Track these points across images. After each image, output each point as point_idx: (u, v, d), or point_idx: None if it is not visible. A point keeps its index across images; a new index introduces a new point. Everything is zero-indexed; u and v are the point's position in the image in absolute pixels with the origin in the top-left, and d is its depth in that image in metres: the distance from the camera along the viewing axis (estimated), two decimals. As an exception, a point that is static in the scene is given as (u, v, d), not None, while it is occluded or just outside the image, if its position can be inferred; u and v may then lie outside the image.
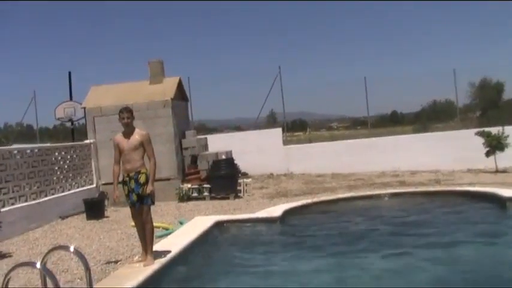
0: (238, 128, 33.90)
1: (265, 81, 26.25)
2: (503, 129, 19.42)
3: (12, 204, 12.87)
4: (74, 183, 15.96)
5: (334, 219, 12.28)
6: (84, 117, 18.49)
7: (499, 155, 19.35)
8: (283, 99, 25.80)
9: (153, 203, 8.57)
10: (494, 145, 19.35)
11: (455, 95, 26.50)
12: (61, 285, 7.38)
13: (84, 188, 16.34)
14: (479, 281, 7.25)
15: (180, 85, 18.57)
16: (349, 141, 24.55)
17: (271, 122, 32.28)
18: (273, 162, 22.53)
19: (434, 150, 21.36)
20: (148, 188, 8.41)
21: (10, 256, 10.15)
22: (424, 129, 29.30)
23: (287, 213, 12.33)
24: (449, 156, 20.72)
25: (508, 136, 19.18)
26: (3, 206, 12.41)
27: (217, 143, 20.19)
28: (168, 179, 16.75)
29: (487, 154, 19.44)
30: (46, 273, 5.19)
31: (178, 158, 17.30)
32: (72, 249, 5.94)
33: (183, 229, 11.12)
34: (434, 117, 35.72)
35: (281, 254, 9.38)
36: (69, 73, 24.76)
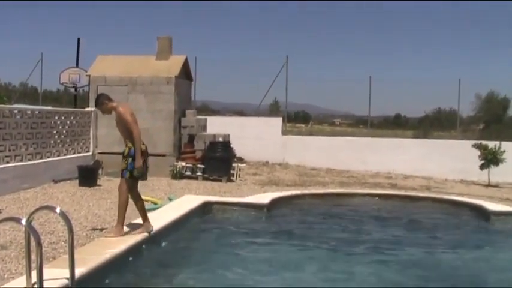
0: (240, 113, 33.97)
1: (273, 69, 26.35)
2: (500, 144, 19.54)
3: (7, 162, 13.01)
4: (70, 149, 16.10)
5: (318, 212, 12.50)
6: (88, 85, 18.63)
7: (493, 169, 19.50)
8: (286, 89, 25.97)
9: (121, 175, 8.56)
10: (490, 159, 19.50)
11: (458, 105, 26.67)
12: (45, 246, 7.57)
13: (80, 154, 16.48)
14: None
15: (185, 64, 18.67)
16: (347, 138, 24.74)
17: (274, 110, 32.38)
18: (269, 150, 22.66)
19: (430, 157, 21.51)
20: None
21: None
22: (425, 135, 29.41)
23: (275, 201, 12.51)
24: (445, 165, 20.89)
25: (504, 151, 19.31)
26: (-2, 163, 12.58)
27: (217, 125, 20.30)
28: (163, 155, 16.90)
29: (482, 167, 19.60)
30: (30, 229, 5.34)
31: (176, 136, 17.44)
32: (58, 210, 6.09)
33: (171, 205, 11.30)
34: (437, 124, 35.83)
35: (261, 239, 9.58)
36: (78, 39, 24.89)
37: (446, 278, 7.87)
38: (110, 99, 8.73)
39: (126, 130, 8.43)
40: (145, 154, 8.59)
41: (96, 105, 8.99)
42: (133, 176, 8.47)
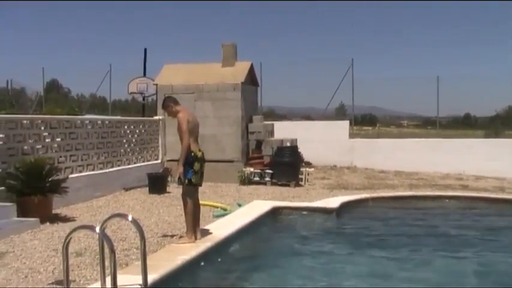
0: (307, 117, 33.87)
1: (338, 72, 26.21)
2: None
3: (80, 171, 13.33)
4: (139, 157, 16.39)
5: (390, 216, 12.29)
6: (156, 93, 18.92)
7: None
8: (353, 92, 25.81)
9: (180, 183, 8.62)
10: None
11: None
12: (118, 252, 7.69)
13: (149, 162, 16.76)
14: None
15: (251, 70, 18.75)
16: (415, 139, 24.36)
17: (340, 114, 32.17)
18: (337, 154, 22.49)
19: (502, 157, 20.90)
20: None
21: (74, 220, 10.57)
22: (496, 134, 28.70)
23: (344, 205, 12.37)
24: (519, 164, 20.28)
25: None
26: (72, 173, 12.89)
27: (284, 130, 20.29)
28: (232, 161, 17.01)
29: (557, 165, 18.99)
30: (103, 237, 5.43)
31: (243, 142, 17.52)
32: (130, 218, 6.18)
33: (240, 211, 11.31)
34: (508, 123, 34.92)
35: (331, 244, 9.47)
36: (145, 50, 25.29)
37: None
38: (176, 103, 8.85)
39: (180, 137, 8.54)
40: (201, 161, 8.62)
41: (162, 107, 9.13)
42: (191, 183, 8.54)
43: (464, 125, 40.97)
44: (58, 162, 12.38)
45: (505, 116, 38.67)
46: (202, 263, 7.59)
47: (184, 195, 8.57)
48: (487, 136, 28.09)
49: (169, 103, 8.83)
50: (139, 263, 6.05)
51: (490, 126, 34.57)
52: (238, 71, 17.96)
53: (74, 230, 5.58)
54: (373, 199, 13.51)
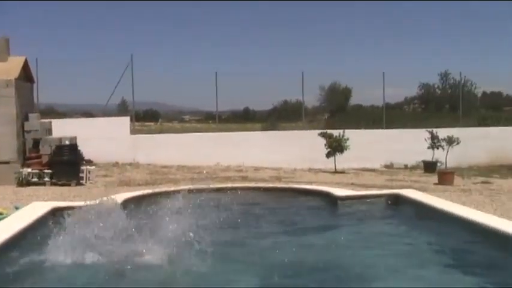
0: (88, 114, 33.26)
1: (120, 68, 25.96)
2: (343, 132, 20.40)
3: None
4: None
5: (170, 210, 12.43)
6: None
7: (338, 156, 20.35)
8: (133, 87, 25.72)
9: None
10: (335, 147, 20.32)
11: (302, 97, 27.68)
12: None
13: None
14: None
15: (25, 65, 17.99)
16: (197, 134, 24.96)
17: (122, 110, 31.99)
18: (119, 150, 22.35)
19: (279, 149, 22.09)
20: None
21: None
22: (273, 127, 30.16)
23: (127, 202, 12.30)
24: (293, 155, 21.54)
25: (348, 139, 20.19)
26: None
27: (65, 128, 19.70)
28: (7, 162, 16.22)
29: (328, 155, 20.40)
30: None
31: (19, 141, 16.74)
32: None
33: (17, 214, 10.82)
34: (284, 116, 36.83)
35: (113, 240, 9.39)
36: None
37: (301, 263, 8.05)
38: None
39: None
40: None
41: None
42: None
43: (244, 119, 42.67)
44: None
45: (281, 109, 40.82)
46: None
47: None
48: (264, 129, 29.45)
49: None
50: None
51: (267, 119, 36.31)
52: (12, 67, 17.12)
53: None
54: (156, 194, 13.59)
